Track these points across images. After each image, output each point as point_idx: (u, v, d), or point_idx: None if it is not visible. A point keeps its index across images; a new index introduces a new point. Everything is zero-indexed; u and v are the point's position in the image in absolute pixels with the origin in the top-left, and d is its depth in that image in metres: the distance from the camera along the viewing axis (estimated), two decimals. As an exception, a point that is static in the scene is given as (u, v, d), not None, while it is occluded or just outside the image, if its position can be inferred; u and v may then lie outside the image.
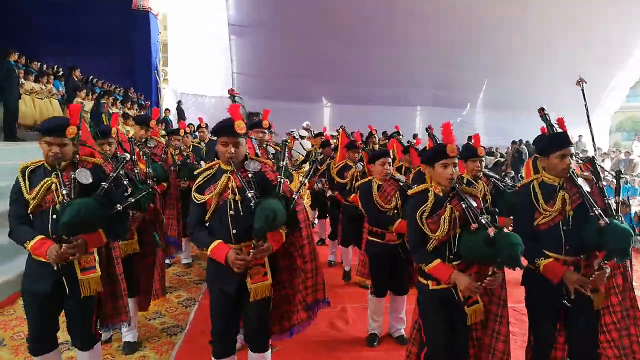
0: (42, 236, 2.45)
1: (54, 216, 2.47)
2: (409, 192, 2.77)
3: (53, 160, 2.51)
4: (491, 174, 4.40)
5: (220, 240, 2.55)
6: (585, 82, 3.09)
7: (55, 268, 2.46)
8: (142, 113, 11.61)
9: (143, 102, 13.34)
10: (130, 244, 3.52)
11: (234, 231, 2.56)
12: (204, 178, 2.67)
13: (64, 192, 2.45)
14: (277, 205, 2.47)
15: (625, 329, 2.66)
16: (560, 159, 2.63)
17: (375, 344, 3.91)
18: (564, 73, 17.44)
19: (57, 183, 2.50)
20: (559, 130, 2.94)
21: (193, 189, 2.67)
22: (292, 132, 14.26)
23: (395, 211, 3.76)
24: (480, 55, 17.48)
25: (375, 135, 8.49)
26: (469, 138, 10.71)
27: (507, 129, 18.71)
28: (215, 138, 2.72)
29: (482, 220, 2.44)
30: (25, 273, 2.59)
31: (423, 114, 20.50)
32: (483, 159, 4.08)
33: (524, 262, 2.58)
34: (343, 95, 19.07)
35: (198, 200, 2.62)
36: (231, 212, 2.56)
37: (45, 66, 11.35)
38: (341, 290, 5.15)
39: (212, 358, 2.71)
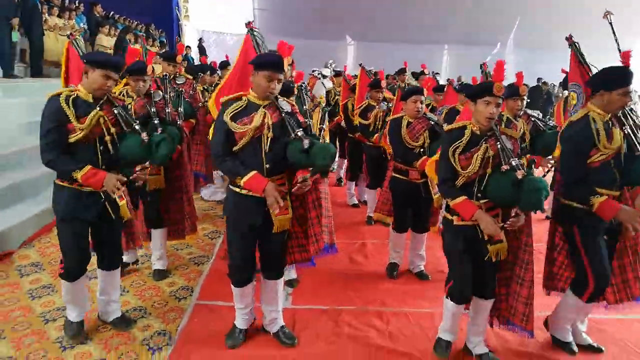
0: (90, 166, 2.55)
1: (102, 147, 2.64)
2: (446, 127, 2.73)
3: (103, 93, 2.61)
4: (533, 113, 4.30)
5: (256, 171, 2.57)
6: (612, 14, 2.93)
7: (102, 197, 2.68)
8: (164, 50, 11.50)
9: (164, 39, 13.18)
10: (157, 180, 3.66)
11: (267, 166, 2.62)
12: (235, 109, 2.61)
13: (137, 126, 2.69)
14: (330, 146, 2.63)
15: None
16: (623, 96, 2.57)
17: (395, 273, 4.03)
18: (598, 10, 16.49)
19: (119, 115, 2.67)
20: (620, 65, 2.78)
21: (226, 116, 2.57)
22: (313, 71, 14.00)
23: (422, 149, 3.76)
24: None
25: (408, 72, 8.21)
26: (437, 73, 10.42)
27: (537, 69, 17.96)
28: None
29: (513, 162, 2.47)
30: (64, 202, 2.63)
31: (451, 53, 19.76)
32: (525, 97, 3.98)
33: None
34: (367, 33, 18.45)
35: (235, 130, 2.57)
36: (266, 148, 2.60)
37: (67, 1, 11.23)
38: (362, 228, 5.27)
39: (233, 287, 2.85)
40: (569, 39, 2.99)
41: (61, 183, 2.65)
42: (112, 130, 2.67)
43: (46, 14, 9.18)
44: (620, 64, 2.77)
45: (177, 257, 4.30)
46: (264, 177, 2.58)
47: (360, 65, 5.96)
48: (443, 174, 2.63)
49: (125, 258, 3.69)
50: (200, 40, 15.66)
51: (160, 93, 3.64)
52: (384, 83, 5.25)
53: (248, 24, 3.01)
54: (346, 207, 6.04)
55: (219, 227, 5.07)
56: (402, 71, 8.13)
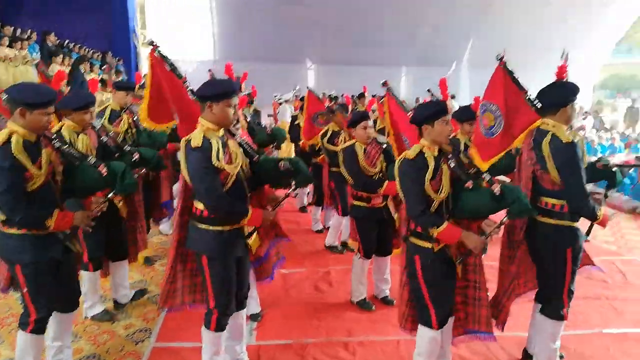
0: (57, 210, 2.47)
1: (55, 186, 2.54)
2: (403, 155, 2.64)
3: (44, 130, 2.49)
4: None
5: (252, 208, 2.58)
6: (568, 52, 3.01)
7: (62, 235, 2.57)
8: (120, 79, 11.30)
9: (121, 68, 12.96)
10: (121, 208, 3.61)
11: (249, 194, 2.67)
12: (216, 149, 2.46)
13: (92, 160, 2.66)
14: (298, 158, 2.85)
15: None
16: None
17: (371, 304, 3.97)
18: (550, 29, 17.38)
19: (63, 150, 2.59)
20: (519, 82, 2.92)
21: (215, 156, 2.43)
22: (275, 96, 14.10)
23: (380, 174, 3.78)
24: (464, 14, 17.26)
25: (367, 96, 8.34)
26: (453, 96, 10.76)
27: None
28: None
29: (486, 177, 2.60)
30: (28, 247, 2.45)
31: (409, 75, 20.31)
32: None
33: None
34: (327, 56, 18.73)
35: (228, 171, 2.49)
36: (245, 178, 2.64)
37: (19, 31, 10.92)
38: (326, 255, 5.23)
39: (214, 332, 2.69)
40: (500, 60, 2.96)
41: (17, 232, 2.44)
42: (59, 168, 2.59)
43: (-5, 45, 8.90)
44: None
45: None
46: (252, 207, 2.60)
47: (307, 88, 5.99)
48: (419, 205, 2.52)
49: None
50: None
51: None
52: (372, 115, 5.12)
53: (153, 45, 2.81)
54: (309, 233, 6.00)
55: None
56: (361, 95, 8.28)
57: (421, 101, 16.17)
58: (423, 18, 17.63)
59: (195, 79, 5.85)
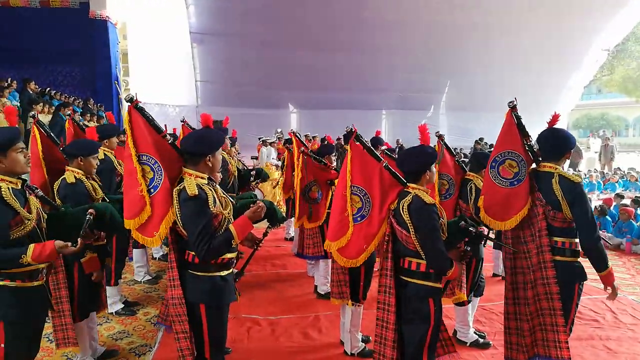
0: (33, 243, 2.32)
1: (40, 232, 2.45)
2: (427, 201, 2.66)
3: (25, 169, 2.42)
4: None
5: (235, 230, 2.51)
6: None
7: (43, 281, 2.47)
8: (100, 123, 11.25)
9: (102, 114, 12.94)
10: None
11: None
12: (212, 197, 2.49)
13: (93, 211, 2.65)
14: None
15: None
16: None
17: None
18: (523, 73, 18.14)
19: (42, 197, 2.54)
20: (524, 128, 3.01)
21: (213, 203, 2.47)
22: (259, 138, 14.23)
23: None
24: (441, 58, 17.93)
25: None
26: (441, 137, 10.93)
27: (470, 129, 19.20)
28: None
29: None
30: (7, 302, 2.32)
31: (389, 118, 20.80)
32: None
33: None
34: (309, 101, 19.13)
35: (223, 215, 2.51)
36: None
37: (-2, 79, 10.90)
38: (314, 300, 5.10)
39: None
40: (514, 108, 2.99)
41: (1, 282, 2.31)
42: (44, 215, 2.54)
43: (-26, 93, 8.83)
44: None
45: (115, 348, 3.93)
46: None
47: (291, 131, 6.03)
48: (443, 248, 2.62)
49: None
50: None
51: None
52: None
53: (134, 101, 2.69)
54: (297, 278, 5.87)
55: (162, 310, 4.75)
56: (350, 135, 8.37)
57: (402, 143, 16.48)
58: (401, 63, 18.24)
59: (178, 123, 5.82)
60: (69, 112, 9.76)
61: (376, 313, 2.80)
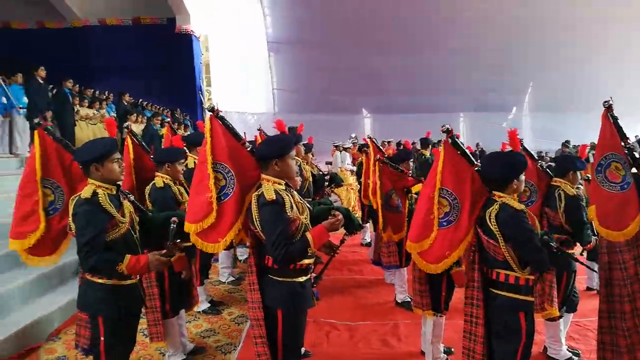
0: (129, 254, 2.50)
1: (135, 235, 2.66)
2: (519, 208, 2.57)
3: (120, 177, 2.62)
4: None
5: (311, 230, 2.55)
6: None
7: (136, 280, 2.66)
8: (187, 133, 11.95)
9: (188, 122, 13.76)
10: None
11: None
12: (289, 203, 2.51)
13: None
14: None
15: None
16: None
17: None
18: (612, 68, 16.74)
19: (134, 202, 2.75)
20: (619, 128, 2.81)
21: (289, 208, 2.49)
22: (333, 143, 14.33)
23: None
24: (523, 56, 17.04)
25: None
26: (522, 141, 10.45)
27: (556, 130, 18.05)
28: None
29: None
30: (104, 299, 2.52)
31: (466, 120, 20.09)
32: None
33: None
34: (383, 105, 19.02)
35: (301, 221, 2.53)
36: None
37: (97, 92, 11.99)
38: (391, 307, 5.05)
39: None
40: (609, 107, 2.79)
41: (99, 280, 2.53)
42: (137, 219, 2.74)
43: (78, 106, 9.78)
44: None
45: (202, 345, 4.15)
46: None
47: (368, 137, 5.99)
48: (545, 253, 2.52)
49: None
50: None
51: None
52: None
53: (214, 110, 2.85)
54: (374, 285, 5.84)
55: (245, 311, 4.94)
56: (426, 141, 8.20)
57: (482, 147, 15.81)
58: (480, 63, 17.55)
59: (254, 129, 6.03)
60: (159, 121, 10.51)
61: (463, 325, 2.72)
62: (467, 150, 2.85)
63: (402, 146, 8.17)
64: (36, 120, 3.00)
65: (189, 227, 2.63)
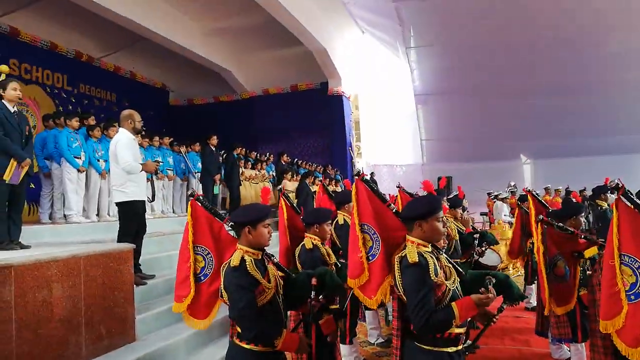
0: (285, 330, 2.59)
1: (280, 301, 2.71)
2: None
3: (267, 242, 2.72)
4: None
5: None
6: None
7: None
8: (337, 188, 12.42)
9: (339, 177, 14.32)
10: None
11: None
12: (433, 266, 2.44)
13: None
14: None
15: None
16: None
17: None
18: None
19: (278, 265, 2.83)
20: None
21: (434, 272, 2.40)
22: (489, 194, 13.46)
23: None
24: None
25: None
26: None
27: None
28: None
29: None
30: None
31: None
32: None
33: None
34: (545, 149, 17.32)
35: (446, 286, 2.43)
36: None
37: (259, 154, 13.31)
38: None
39: None
40: None
41: (246, 346, 2.57)
42: (281, 282, 2.78)
43: (242, 167, 10.94)
44: None
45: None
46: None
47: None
48: None
49: None
50: (372, 174, 16.66)
51: None
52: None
53: (360, 174, 2.99)
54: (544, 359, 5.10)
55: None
56: (601, 189, 7.16)
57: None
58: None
59: (406, 181, 5.98)
60: (312, 179, 11.16)
61: None
62: None
63: (569, 196, 7.25)
64: (189, 192, 3.38)
65: (351, 282, 2.88)
